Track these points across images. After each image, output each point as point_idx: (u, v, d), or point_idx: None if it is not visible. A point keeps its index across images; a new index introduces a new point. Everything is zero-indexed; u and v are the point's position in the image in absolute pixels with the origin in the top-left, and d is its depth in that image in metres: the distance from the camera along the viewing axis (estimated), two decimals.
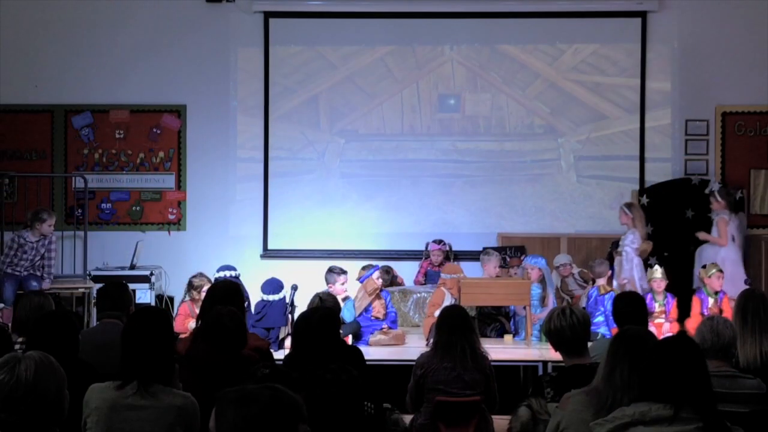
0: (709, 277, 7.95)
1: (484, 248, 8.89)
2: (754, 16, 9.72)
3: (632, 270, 8.30)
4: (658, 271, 7.99)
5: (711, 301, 7.90)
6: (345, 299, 7.87)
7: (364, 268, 8.22)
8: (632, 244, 8.40)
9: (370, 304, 7.79)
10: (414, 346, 7.50)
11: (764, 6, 9.71)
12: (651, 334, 3.82)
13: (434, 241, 9.52)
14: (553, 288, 8.55)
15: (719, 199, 8.52)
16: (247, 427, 2.31)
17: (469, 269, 9.10)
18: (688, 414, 2.88)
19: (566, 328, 4.16)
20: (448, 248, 9.49)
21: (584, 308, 7.44)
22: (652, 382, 2.96)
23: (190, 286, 7.85)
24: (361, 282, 7.91)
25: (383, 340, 7.64)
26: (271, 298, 7.39)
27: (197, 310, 7.62)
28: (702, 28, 9.80)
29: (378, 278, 7.93)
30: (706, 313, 7.81)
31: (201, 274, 7.92)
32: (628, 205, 8.65)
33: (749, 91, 9.70)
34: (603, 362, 3.47)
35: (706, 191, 9.02)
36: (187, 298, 7.94)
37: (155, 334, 3.65)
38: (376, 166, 10.05)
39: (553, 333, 4.23)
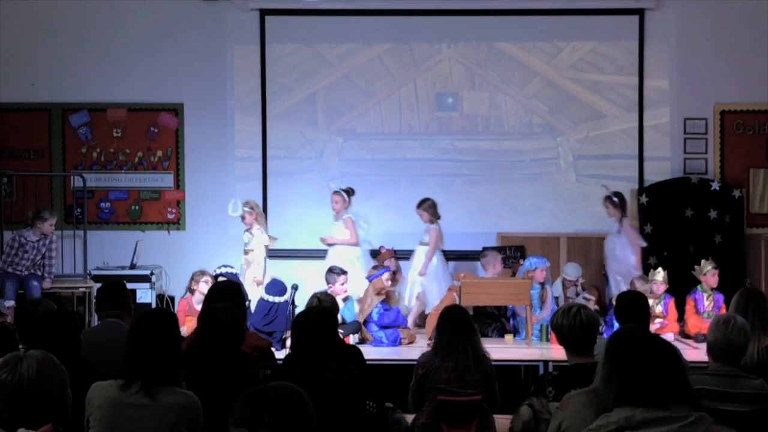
0: (704, 274, 7.96)
1: (483, 249, 8.86)
2: (753, 13, 9.69)
3: (264, 268, 8.60)
4: (659, 274, 7.97)
5: (706, 296, 7.92)
6: (345, 299, 7.86)
7: (374, 267, 8.22)
8: (263, 241, 8.70)
9: (384, 303, 7.79)
10: (415, 346, 7.51)
11: (763, 3, 9.69)
12: (646, 332, 3.80)
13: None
14: (551, 286, 8.55)
15: (346, 198, 8.94)
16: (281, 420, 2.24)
17: (470, 269, 9.10)
18: (672, 413, 2.86)
19: (565, 327, 4.18)
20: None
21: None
22: (630, 386, 2.94)
23: (191, 280, 7.89)
24: (370, 281, 7.88)
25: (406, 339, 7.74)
26: (275, 299, 7.37)
27: (195, 304, 7.66)
28: (700, 25, 9.78)
29: (387, 279, 7.92)
30: (701, 310, 7.83)
31: (203, 271, 7.97)
32: (248, 204, 8.83)
33: (748, 89, 9.68)
34: (600, 363, 3.46)
35: (330, 186, 9.20)
36: (187, 294, 7.96)
37: (162, 335, 3.64)
38: (375, 165, 10.03)
39: (555, 329, 4.28)
